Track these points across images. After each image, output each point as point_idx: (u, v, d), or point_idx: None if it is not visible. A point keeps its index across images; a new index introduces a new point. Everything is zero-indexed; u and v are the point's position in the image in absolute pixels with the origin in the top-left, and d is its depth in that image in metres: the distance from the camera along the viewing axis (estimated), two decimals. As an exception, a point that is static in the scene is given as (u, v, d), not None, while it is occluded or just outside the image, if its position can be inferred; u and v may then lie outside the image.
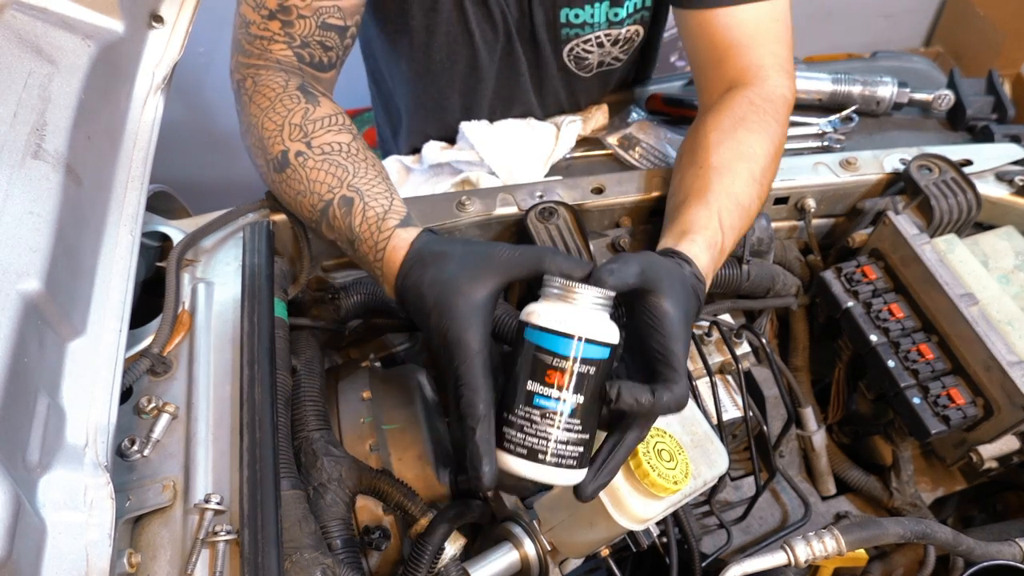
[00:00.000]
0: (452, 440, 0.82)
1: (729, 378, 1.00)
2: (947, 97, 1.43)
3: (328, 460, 0.83)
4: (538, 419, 0.65)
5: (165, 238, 0.97)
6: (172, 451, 0.77)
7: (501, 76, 1.35)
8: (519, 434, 0.66)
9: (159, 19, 0.93)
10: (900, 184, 1.11)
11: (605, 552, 0.82)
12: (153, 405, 0.79)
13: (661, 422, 0.76)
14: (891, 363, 0.96)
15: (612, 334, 0.66)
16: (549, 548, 0.81)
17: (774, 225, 1.12)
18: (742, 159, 0.94)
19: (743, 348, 1.02)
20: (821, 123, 1.39)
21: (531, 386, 0.65)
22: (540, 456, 0.65)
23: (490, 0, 1.21)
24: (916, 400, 0.93)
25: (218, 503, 0.72)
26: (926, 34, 3.30)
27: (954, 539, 0.84)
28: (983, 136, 1.39)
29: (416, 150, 1.45)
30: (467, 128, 1.36)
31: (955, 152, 1.14)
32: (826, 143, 1.38)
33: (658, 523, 0.78)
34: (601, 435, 0.70)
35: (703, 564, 0.91)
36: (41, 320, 0.69)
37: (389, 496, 0.83)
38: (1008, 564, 0.83)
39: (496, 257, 0.73)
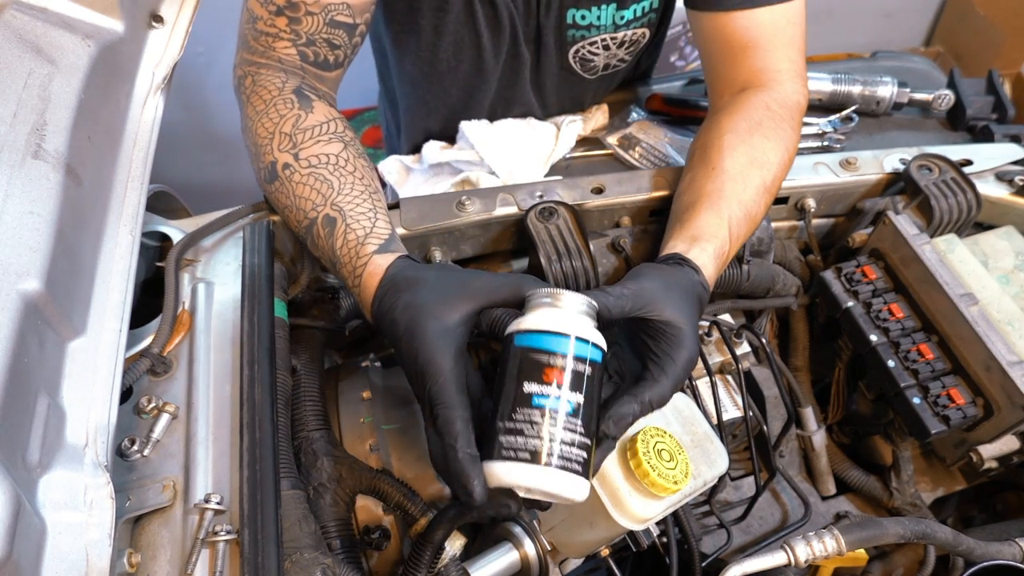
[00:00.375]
0: (435, 465, 0.78)
1: (729, 378, 1.00)
2: (947, 97, 1.43)
3: (328, 460, 0.84)
4: (539, 419, 0.62)
5: (165, 238, 0.97)
6: (172, 451, 0.77)
7: (504, 77, 1.35)
8: (519, 439, 0.62)
9: (159, 19, 0.93)
10: (900, 184, 1.11)
11: (605, 552, 0.82)
12: (153, 405, 0.79)
13: (661, 422, 0.76)
14: (891, 363, 0.96)
15: (601, 340, 0.66)
16: (549, 548, 0.81)
17: (774, 225, 1.12)
18: (755, 165, 0.94)
19: (743, 348, 1.02)
20: (821, 123, 1.39)
21: (528, 387, 0.63)
22: (545, 458, 0.61)
23: (498, 2, 1.21)
24: (916, 400, 0.93)
25: (218, 503, 0.72)
26: (926, 34, 3.31)
27: (954, 539, 0.84)
28: (983, 136, 1.39)
29: (416, 147, 1.45)
30: (467, 128, 1.36)
31: (955, 152, 1.14)
32: (826, 143, 1.38)
33: (658, 523, 0.78)
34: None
35: (703, 564, 0.91)
36: (41, 320, 0.69)
37: (389, 496, 0.83)
38: (1008, 564, 0.83)
39: (472, 283, 0.73)
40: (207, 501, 0.72)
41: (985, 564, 0.83)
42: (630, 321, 0.75)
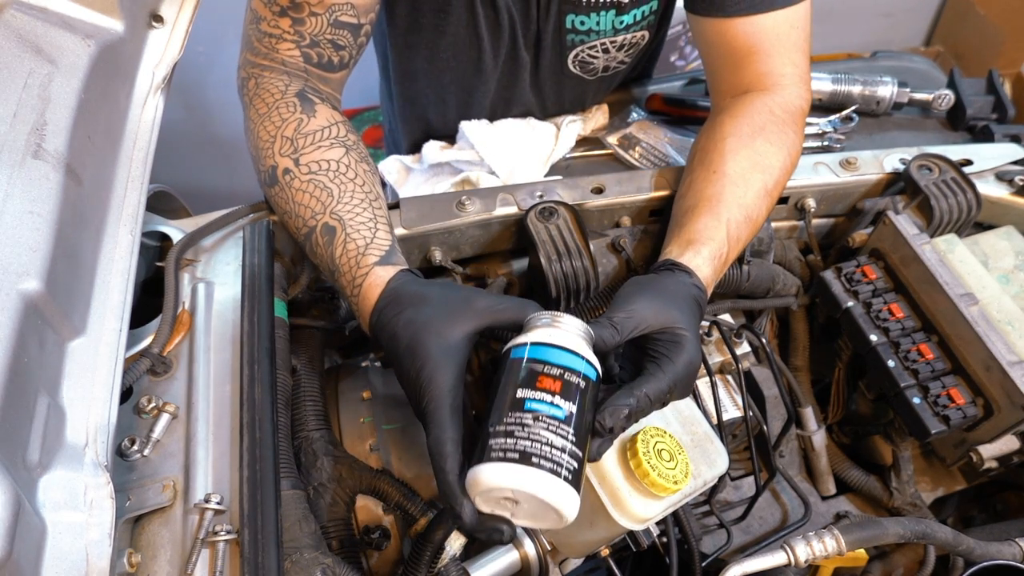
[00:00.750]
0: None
1: (729, 378, 1.00)
2: (947, 97, 1.43)
3: (328, 460, 0.84)
4: (530, 422, 0.62)
5: (165, 238, 0.97)
6: (172, 451, 0.77)
7: (503, 77, 1.35)
8: (508, 440, 0.61)
9: (159, 19, 0.93)
10: (900, 184, 1.11)
11: (605, 552, 0.82)
12: (153, 405, 0.79)
13: (661, 422, 0.76)
14: (891, 363, 0.96)
15: (595, 361, 0.67)
16: (549, 548, 0.81)
17: (774, 225, 1.12)
18: (757, 169, 0.94)
19: (743, 348, 1.02)
20: (821, 123, 1.39)
21: (521, 393, 0.63)
22: (535, 460, 0.60)
23: (499, 4, 1.21)
24: (916, 400, 0.93)
25: (218, 503, 0.72)
26: (926, 34, 3.31)
27: (954, 539, 0.84)
28: (983, 136, 1.39)
29: (416, 146, 1.45)
30: (467, 127, 1.36)
31: (955, 152, 1.14)
32: (826, 143, 1.38)
33: (658, 523, 0.78)
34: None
35: (703, 564, 0.91)
36: (41, 320, 0.69)
37: (389, 496, 0.83)
38: (1008, 564, 0.83)
39: (476, 303, 0.73)
40: (207, 501, 0.72)
41: (985, 564, 0.83)
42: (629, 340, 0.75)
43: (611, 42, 1.28)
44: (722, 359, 1.00)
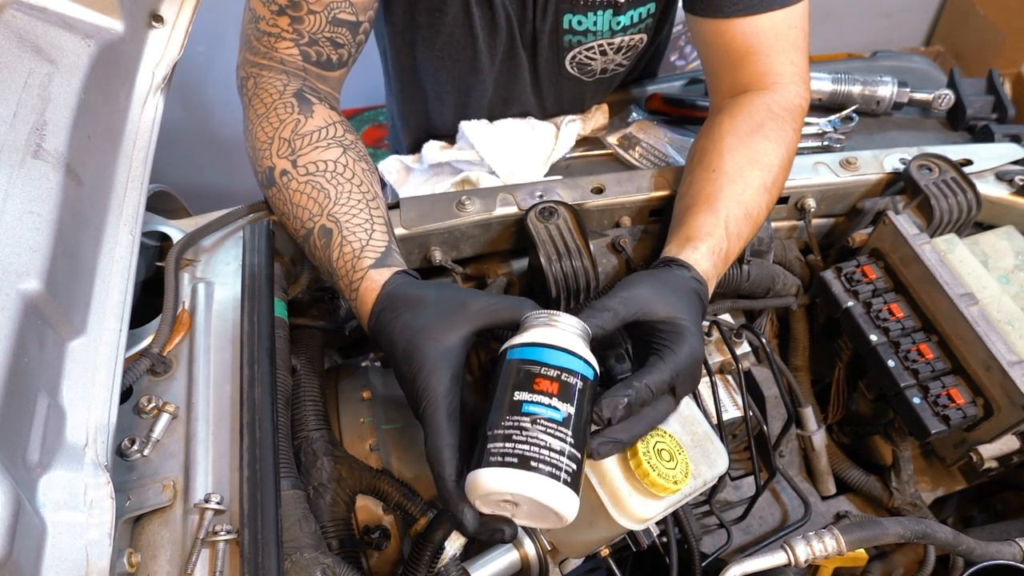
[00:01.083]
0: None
1: (729, 378, 1.00)
2: (947, 97, 1.43)
3: (328, 460, 0.84)
4: (528, 425, 0.62)
5: (165, 238, 0.97)
6: (172, 451, 0.77)
7: (501, 78, 1.35)
8: (507, 444, 0.61)
9: (159, 19, 0.93)
10: (900, 184, 1.11)
11: (605, 552, 0.82)
12: (153, 405, 0.79)
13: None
14: (891, 363, 0.96)
15: (593, 360, 0.67)
16: (549, 548, 0.81)
17: (774, 225, 1.12)
18: (756, 167, 0.94)
19: (743, 348, 1.02)
20: (821, 123, 1.39)
21: (518, 395, 0.63)
22: (533, 464, 0.60)
23: (495, 3, 1.21)
24: (916, 400, 0.93)
25: (218, 503, 0.72)
26: (926, 34, 3.31)
27: (954, 539, 0.84)
28: (983, 136, 1.39)
29: (417, 146, 1.45)
30: (467, 127, 1.36)
31: (955, 152, 1.14)
32: (826, 143, 1.38)
33: (658, 523, 0.78)
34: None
35: (703, 564, 0.91)
36: (41, 320, 0.69)
37: (389, 496, 0.83)
38: (1008, 564, 0.83)
39: (471, 304, 0.73)
40: (207, 501, 0.72)
41: (985, 564, 0.83)
42: (631, 330, 0.75)
43: (608, 44, 1.28)
44: (722, 359, 1.00)
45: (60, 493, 0.65)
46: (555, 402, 0.63)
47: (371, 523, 0.87)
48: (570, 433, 0.63)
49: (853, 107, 1.41)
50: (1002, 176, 1.14)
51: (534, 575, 0.82)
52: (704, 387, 0.97)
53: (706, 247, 0.85)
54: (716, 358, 1.00)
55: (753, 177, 0.93)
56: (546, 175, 1.36)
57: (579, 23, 1.24)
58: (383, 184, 1.44)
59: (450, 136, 1.42)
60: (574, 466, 0.63)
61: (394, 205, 1.02)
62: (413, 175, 1.42)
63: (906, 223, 1.02)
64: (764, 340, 1.00)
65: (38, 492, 0.63)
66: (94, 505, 0.65)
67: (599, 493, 0.71)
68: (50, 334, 0.70)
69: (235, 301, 0.89)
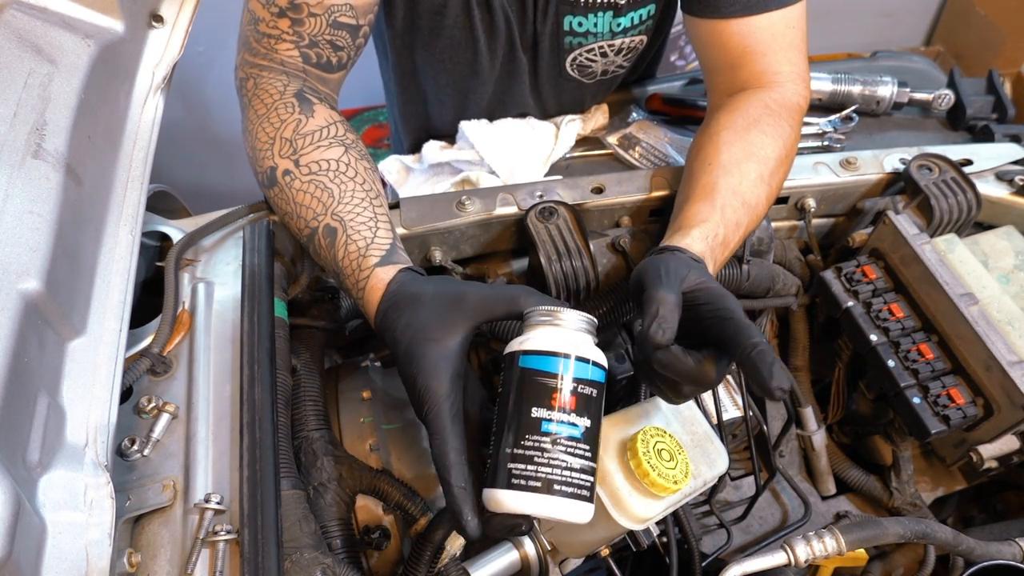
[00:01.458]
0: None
1: (729, 378, 1.00)
2: (947, 97, 1.43)
3: (328, 460, 0.84)
4: (549, 446, 0.62)
5: (165, 238, 0.97)
6: (172, 451, 0.77)
7: (501, 80, 1.35)
8: (528, 467, 0.62)
9: (159, 19, 0.93)
10: (900, 184, 1.11)
11: (605, 552, 0.82)
12: (153, 405, 0.79)
13: (661, 422, 0.76)
14: (891, 363, 0.96)
15: (602, 358, 0.67)
16: (549, 548, 0.81)
17: (774, 225, 1.12)
18: (752, 159, 0.94)
19: (743, 348, 1.02)
20: (821, 123, 1.39)
21: (536, 412, 0.63)
22: (556, 487, 0.61)
23: (495, 7, 1.21)
24: (916, 400, 0.93)
25: (218, 503, 0.72)
26: (926, 34, 3.31)
27: (954, 539, 0.84)
28: (983, 136, 1.39)
29: (416, 146, 1.45)
30: (467, 127, 1.36)
31: (955, 152, 1.14)
32: (826, 143, 1.38)
33: (658, 523, 0.78)
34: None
35: (703, 564, 0.91)
36: (41, 320, 0.69)
37: (389, 496, 0.83)
38: (1008, 564, 0.83)
39: (468, 299, 0.73)
40: (207, 501, 0.72)
41: (985, 564, 0.83)
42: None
43: (609, 45, 1.28)
44: (722, 359, 1.00)
45: (60, 493, 0.65)
46: (573, 418, 0.63)
47: (371, 523, 0.87)
48: (588, 447, 0.64)
49: (853, 107, 1.42)
50: (1002, 176, 1.14)
51: (534, 575, 0.82)
52: (704, 387, 0.97)
53: (698, 232, 0.85)
54: (716, 358, 1.00)
55: (749, 169, 0.93)
56: (546, 175, 1.36)
57: (579, 25, 1.24)
58: (383, 184, 1.45)
59: (450, 136, 1.42)
60: (591, 479, 0.64)
61: (394, 205, 1.02)
62: (413, 175, 1.42)
63: (906, 223, 1.02)
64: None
65: (38, 492, 0.63)
66: (94, 505, 0.65)
67: (599, 493, 0.71)
68: (50, 334, 0.70)
69: (235, 301, 0.89)
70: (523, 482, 0.62)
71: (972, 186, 1.07)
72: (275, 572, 0.68)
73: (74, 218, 0.76)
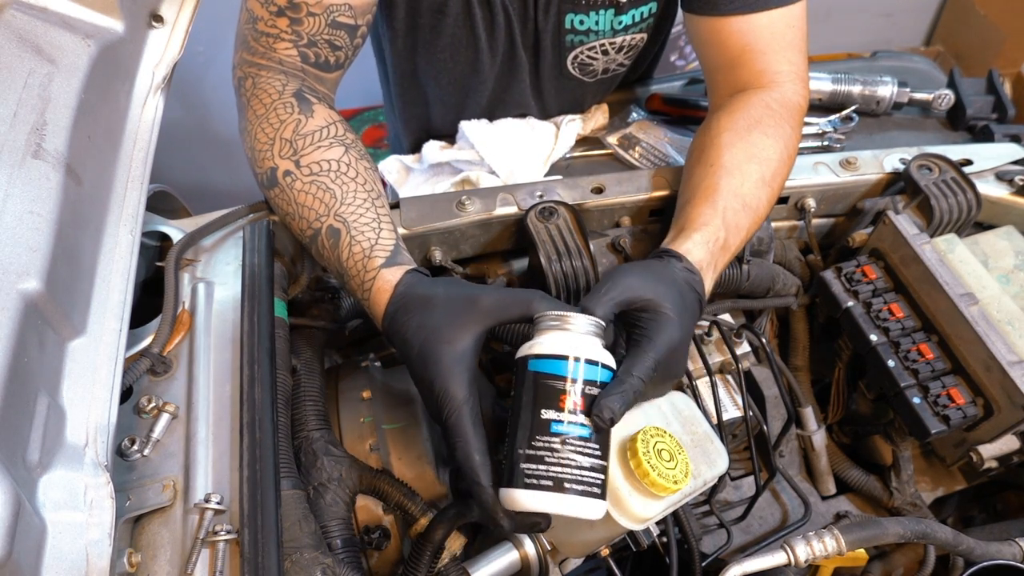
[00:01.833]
0: (451, 484, 0.83)
1: (729, 378, 1.00)
2: (947, 97, 1.43)
3: (328, 460, 0.84)
4: (559, 446, 0.64)
5: (165, 238, 0.97)
6: (172, 451, 0.77)
7: (501, 79, 1.35)
8: (540, 467, 0.64)
9: (159, 19, 0.93)
10: (900, 184, 1.11)
11: (605, 552, 0.82)
12: (153, 405, 0.79)
13: (661, 422, 0.76)
14: (891, 363, 0.96)
15: (610, 359, 0.68)
16: (549, 548, 0.81)
17: (774, 225, 1.12)
18: (753, 160, 0.94)
19: (743, 348, 1.02)
20: (821, 123, 1.39)
21: (546, 414, 0.64)
22: (567, 485, 0.63)
23: (496, 5, 1.21)
24: (916, 400, 0.93)
25: (218, 503, 0.72)
26: (926, 34, 3.31)
27: (954, 539, 0.84)
28: (983, 136, 1.39)
29: (416, 146, 1.45)
30: (467, 127, 1.36)
31: (955, 152, 1.14)
32: (826, 143, 1.38)
33: (658, 523, 0.78)
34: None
35: (703, 564, 0.91)
36: (41, 320, 0.69)
37: (389, 496, 0.83)
38: (1008, 564, 0.83)
39: (481, 301, 0.73)
40: (207, 501, 0.72)
41: (985, 564, 0.83)
42: (619, 320, 0.75)
43: (610, 43, 1.28)
44: (722, 359, 1.00)
45: (60, 493, 0.64)
46: (582, 418, 0.64)
47: (371, 523, 0.87)
48: (597, 446, 0.65)
49: (853, 107, 1.41)
50: (1002, 176, 1.14)
51: (534, 575, 0.82)
52: (704, 387, 0.97)
53: (700, 236, 0.85)
54: (716, 358, 1.00)
55: (751, 170, 0.93)
56: (546, 175, 1.36)
57: (581, 23, 1.24)
58: (383, 184, 1.45)
59: (450, 136, 1.42)
60: (602, 476, 0.65)
61: (394, 205, 1.02)
62: (413, 175, 1.42)
63: (906, 223, 1.02)
64: (764, 340, 1.00)
65: (38, 492, 0.63)
66: (94, 505, 0.65)
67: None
68: (50, 334, 0.70)
69: (235, 301, 0.89)
70: (536, 481, 0.63)
71: (972, 186, 1.07)
72: (275, 572, 0.68)
73: (74, 218, 0.76)
